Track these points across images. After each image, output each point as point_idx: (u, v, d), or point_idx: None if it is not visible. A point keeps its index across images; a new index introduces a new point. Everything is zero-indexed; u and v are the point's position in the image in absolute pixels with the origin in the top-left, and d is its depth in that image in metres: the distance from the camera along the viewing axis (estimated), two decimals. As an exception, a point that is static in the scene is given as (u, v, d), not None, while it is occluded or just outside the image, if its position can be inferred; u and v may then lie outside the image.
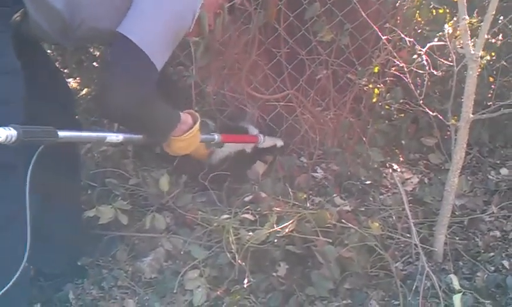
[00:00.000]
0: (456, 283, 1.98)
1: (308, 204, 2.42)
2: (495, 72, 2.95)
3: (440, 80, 2.85)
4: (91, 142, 1.76)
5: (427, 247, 2.17)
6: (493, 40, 2.92)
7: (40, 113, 1.67)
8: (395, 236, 2.24)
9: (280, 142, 2.76)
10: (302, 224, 2.15)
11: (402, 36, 2.38)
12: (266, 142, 2.65)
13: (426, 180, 2.76)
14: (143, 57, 1.64)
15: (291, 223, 2.12)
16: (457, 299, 1.89)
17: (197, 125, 2.04)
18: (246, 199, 2.42)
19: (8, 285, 1.50)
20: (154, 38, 1.69)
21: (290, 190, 2.42)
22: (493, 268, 2.17)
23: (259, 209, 2.30)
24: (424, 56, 2.28)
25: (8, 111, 1.57)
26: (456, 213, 2.44)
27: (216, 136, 2.27)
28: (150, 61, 1.66)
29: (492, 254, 2.24)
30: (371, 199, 2.59)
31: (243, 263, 2.05)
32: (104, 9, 1.72)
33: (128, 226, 2.26)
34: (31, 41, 1.83)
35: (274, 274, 2.10)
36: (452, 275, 2.04)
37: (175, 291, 2.05)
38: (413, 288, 1.99)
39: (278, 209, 2.25)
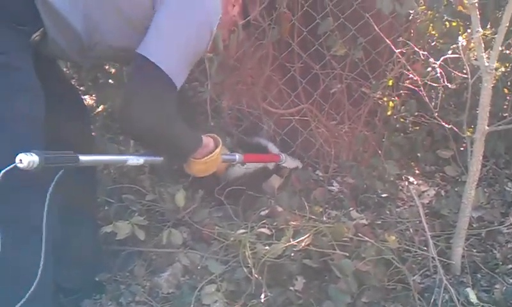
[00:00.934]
0: (472, 297, 1.97)
1: (325, 218, 2.42)
2: (509, 84, 2.94)
3: (455, 92, 2.85)
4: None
5: (445, 260, 2.16)
6: (508, 52, 2.91)
7: (56, 131, 1.70)
8: (412, 249, 2.24)
9: (300, 164, 2.77)
10: (318, 238, 2.15)
11: (416, 49, 2.38)
12: (289, 162, 2.66)
13: (443, 193, 2.75)
14: (163, 77, 1.66)
15: (307, 237, 2.12)
16: (475, 313, 1.89)
17: (218, 150, 2.06)
18: (262, 213, 2.42)
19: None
20: (173, 57, 1.71)
21: (306, 204, 2.42)
22: (511, 280, 2.15)
23: (275, 223, 2.30)
24: (438, 69, 2.28)
25: (31, 128, 1.60)
26: (473, 225, 2.43)
27: (237, 156, 2.29)
28: (171, 81, 1.68)
29: (510, 266, 2.22)
30: (388, 212, 2.58)
31: (260, 278, 2.05)
32: (122, 30, 1.76)
33: (146, 241, 2.27)
34: (48, 59, 1.86)
35: (291, 288, 2.09)
36: (468, 289, 2.03)
37: (192, 306, 2.06)
38: (431, 301, 1.98)
39: (294, 223, 2.25)
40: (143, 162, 1.85)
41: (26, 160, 1.42)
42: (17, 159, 1.42)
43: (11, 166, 1.41)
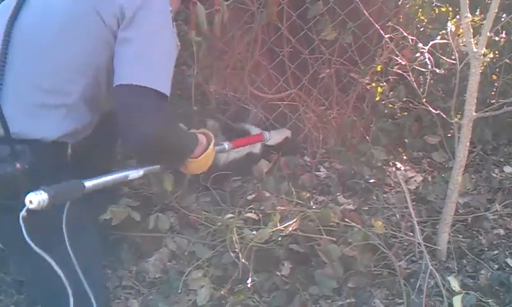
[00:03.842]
0: (455, 285, 1.97)
1: (312, 203, 2.42)
2: (498, 70, 2.95)
3: (443, 78, 2.84)
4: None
5: (431, 245, 2.17)
6: (496, 38, 2.92)
7: None
8: (398, 234, 2.25)
9: (288, 132, 2.77)
10: (305, 223, 2.16)
11: (405, 34, 2.38)
12: (274, 137, 2.66)
13: (430, 179, 2.76)
14: (155, 93, 1.61)
15: (294, 222, 2.13)
16: (457, 300, 1.89)
17: (211, 146, 2.02)
18: (249, 197, 2.42)
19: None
20: (158, 73, 1.66)
21: (293, 189, 2.42)
22: (496, 266, 2.18)
23: (262, 208, 2.30)
24: (426, 54, 2.28)
25: None
26: (460, 211, 2.45)
27: (227, 145, 2.27)
28: (162, 93, 1.63)
29: (496, 252, 2.25)
30: (374, 197, 2.58)
31: (247, 263, 2.06)
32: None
33: (133, 226, 2.26)
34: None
35: (277, 273, 2.10)
36: (451, 278, 2.03)
37: (179, 291, 2.06)
38: (417, 287, 1.99)
39: (281, 208, 2.25)
40: (142, 173, 1.83)
41: (36, 199, 1.38)
42: (27, 201, 1.38)
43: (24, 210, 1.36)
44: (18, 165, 1.49)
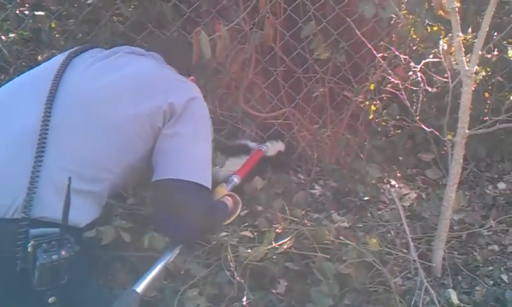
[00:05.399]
0: (454, 298, 1.98)
1: (306, 221, 2.42)
2: (490, 87, 2.97)
3: (436, 96, 2.86)
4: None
5: (426, 262, 2.18)
6: (489, 56, 2.94)
7: None
8: (393, 251, 2.25)
9: (282, 146, 2.75)
10: (300, 241, 2.16)
11: (397, 53, 2.40)
12: (271, 149, 2.66)
13: (424, 195, 2.77)
14: (197, 187, 1.66)
15: (289, 240, 2.13)
16: (455, 314, 1.90)
17: (239, 207, 2.06)
18: (242, 213, 2.41)
19: None
20: (199, 164, 1.71)
21: (287, 207, 2.42)
22: (491, 282, 2.18)
23: (256, 223, 2.31)
24: (419, 73, 2.29)
25: None
26: (454, 228, 2.45)
27: (236, 178, 2.28)
28: (204, 187, 1.68)
29: (491, 268, 2.25)
30: (369, 215, 2.59)
31: (242, 281, 2.05)
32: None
33: (128, 245, 2.25)
34: None
35: (273, 291, 2.10)
36: (450, 290, 2.04)
37: (174, 309, 2.05)
38: (412, 303, 1.99)
39: (276, 225, 2.25)
40: (178, 251, 1.85)
41: None
42: None
43: None
44: (63, 253, 1.43)
